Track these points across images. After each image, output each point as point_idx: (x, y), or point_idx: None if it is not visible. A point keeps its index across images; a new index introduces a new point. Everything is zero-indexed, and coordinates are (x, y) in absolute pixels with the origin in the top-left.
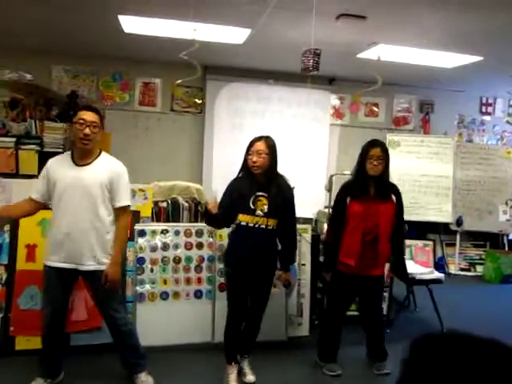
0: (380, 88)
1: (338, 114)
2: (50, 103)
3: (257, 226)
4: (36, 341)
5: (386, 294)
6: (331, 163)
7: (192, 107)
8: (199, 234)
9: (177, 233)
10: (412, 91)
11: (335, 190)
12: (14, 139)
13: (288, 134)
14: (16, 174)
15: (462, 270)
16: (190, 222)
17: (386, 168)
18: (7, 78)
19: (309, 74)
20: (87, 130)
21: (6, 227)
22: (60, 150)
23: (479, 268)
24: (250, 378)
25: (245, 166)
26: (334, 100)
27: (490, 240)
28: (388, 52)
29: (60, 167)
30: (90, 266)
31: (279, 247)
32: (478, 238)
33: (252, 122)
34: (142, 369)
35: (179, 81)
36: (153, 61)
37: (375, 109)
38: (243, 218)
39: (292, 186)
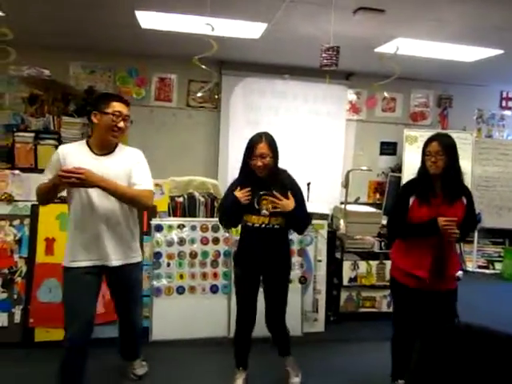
0: (397, 83)
1: (354, 109)
2: (68, 99)
3: (263, 225)
4: (55, 333)
5: None
6: (347, 159)
7: (208, 102)
8: (215, 228)
9: (193, 228)
10: (430, 86)
11: (352, 185)
12: (32, 134)
13: (304, 129)
14: (35, 169)
15: (479, 267)
16: (207, 217)
17: (449, 164)
18: (26, 74)
19: (328, 70)
20: (122, 124)
21: (26, 221)
22: None
23: (498, 265)
24: (294, 380)
25: (245, 168)
26: (351, 95)
27: (509, 237)
28: (406, 46)
29: (77, 156)
30: (118, 261)
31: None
32: (496, 235)
33: (267, 117)
34: (137, 355)
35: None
36: (169, 56)
37: (392, 104)
38: (249, 219)
39: (307, 182)
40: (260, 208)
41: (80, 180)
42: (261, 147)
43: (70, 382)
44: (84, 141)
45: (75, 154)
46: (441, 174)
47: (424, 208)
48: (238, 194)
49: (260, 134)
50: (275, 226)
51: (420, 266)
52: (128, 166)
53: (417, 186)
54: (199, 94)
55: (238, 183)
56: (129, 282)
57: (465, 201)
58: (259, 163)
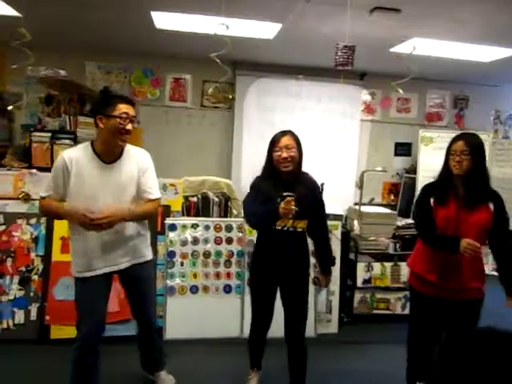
0: (412, 83)
1: (368, 109)
2: (84, 99)
3: (285, 228)
4: (71, 330)
5: None
6: (362, 160)
7: (222, 103)
8: (229, 228)
9: (207, 227)
10: (445, 86)
11: (366, 186)
12: (49, 134)
13: (318, 129)
14: (51, 168)
15: (495, 270)
16: (220, 216)
17: (476, 165)
18: (43, 74)
19: (342, 70)
20: (130, 126)
21: (42, 220)
22: None
23: None
24: None
25: (269, 166)
26: (365, 95)
27: None
28: (422, 46)
29: (86, 165)
30: (126, 263)
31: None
32: None
33: (281, 117)
34: (163, 367)
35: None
36: (183, 57)
37: (407, 104)
38: None
39: (321, 182)
40: None
41: (108, 224)
42: (285, 139)
43: (83, 380)
44: (88, 144)
45: (83, 163)
46: (465, 176)
47: (442, 210)
48: (283, 206)
49: (284, 130)
50: (298, 229)
51: (431, 270)
52: (137, 171)
53: (435, 187)
54: (209, 91)
55: (258, 182)
56: (139, 280)
57: (492, 207)
58: (284, 154)
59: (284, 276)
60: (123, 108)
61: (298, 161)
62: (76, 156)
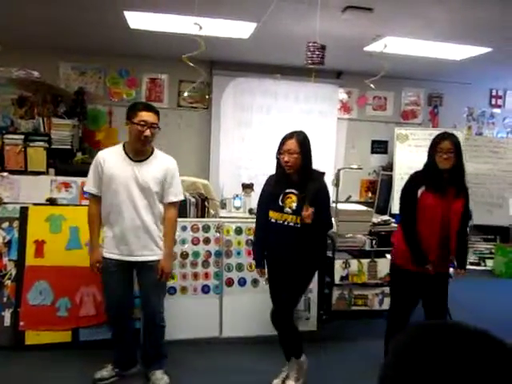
0: (388, 81)
1: (345, 108)
2: (58, 100)
3: (285, 223)
4: (46, 335)
5: None
6: (339, 158)
7: (199, 103)
8: (206, 229)
9: (184, 228)
10: (420, 84)
11: (344, 184)
12: (22, 136)
13: (295, 128)
14: (24, 171)
15: (471, 264)
16: (197, 217)
17: (458, 162)
18: (15, 75)
19: (314, 68)
20: (148, 132)
21: (15, 223)
22: (68, 147)
23: (489, 262)
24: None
25: (278, 164)
26: (342, 94)
27: (500, 234)
28: (395, 44)
29: (115, 161)
30: (146, 256)
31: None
32: (487, 232)
33: (259, 117)
34: (159, 366)
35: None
36: (159, 57)
37: (383, 102)
38: (272, 215)
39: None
40: (284, 205)
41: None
42: (289, 143)
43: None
44: (121, 144)
45: (112, 160)
46: (448, 169)
47: (433, 197)
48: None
49: (293, 131)
50: (297, 225)
51: (428, 251)
52: (162, 174)
53: (424, 177)
54: (186, 94)
55: (269, 178)
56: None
57: (463, 197)
58: (286, 158)
59: (283, 266)
60: (144, 116)
61: (300, 164)
62: (109, 154)
